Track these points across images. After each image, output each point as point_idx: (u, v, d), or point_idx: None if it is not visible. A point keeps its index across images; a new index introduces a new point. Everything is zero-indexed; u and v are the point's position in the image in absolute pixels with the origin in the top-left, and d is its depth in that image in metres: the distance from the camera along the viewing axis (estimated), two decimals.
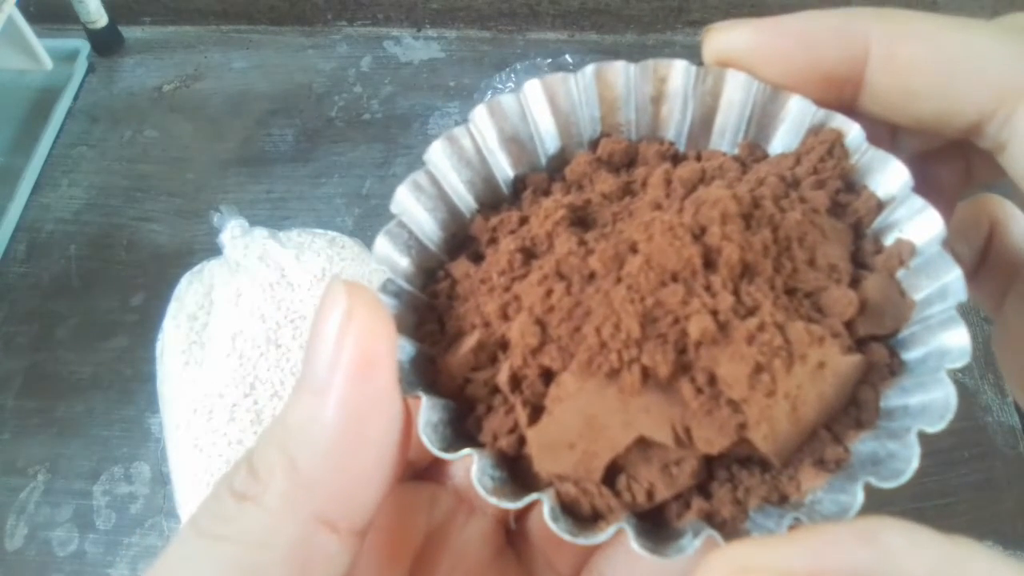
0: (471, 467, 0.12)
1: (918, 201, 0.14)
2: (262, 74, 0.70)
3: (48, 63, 0.69)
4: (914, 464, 0.13)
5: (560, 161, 0.16)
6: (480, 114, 0.15)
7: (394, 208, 0.16)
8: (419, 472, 0.17)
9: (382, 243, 0.15)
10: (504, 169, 0.16)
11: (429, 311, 0.15)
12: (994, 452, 0.48)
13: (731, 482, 0.13)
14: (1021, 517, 0.45)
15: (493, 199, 0.16)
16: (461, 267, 0.15)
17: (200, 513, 0.13)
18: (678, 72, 0.15)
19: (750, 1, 0.69)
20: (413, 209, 0.15)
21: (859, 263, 0.14)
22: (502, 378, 0.13)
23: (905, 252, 0.14)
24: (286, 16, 0.73)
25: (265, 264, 0.49)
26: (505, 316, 0.13)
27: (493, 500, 0.12)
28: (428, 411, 0.13)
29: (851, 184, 0.15)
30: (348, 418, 0.12)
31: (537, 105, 0.16)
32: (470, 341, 0.13)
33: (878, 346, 0.13)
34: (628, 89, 0.16)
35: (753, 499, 0.13)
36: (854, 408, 0.13)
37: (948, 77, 0.13)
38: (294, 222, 0.54)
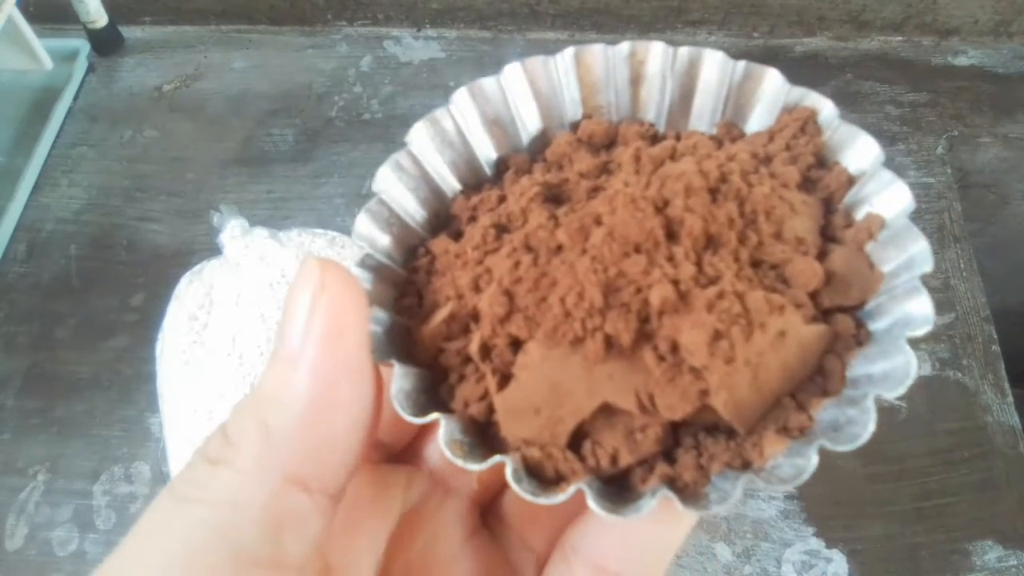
0: (438, 431, 0.13)
1: (887, 175, 0.14)
2: (262, 74, 0.70)
3: (48, 63, 0.69)
4: (870, 428, 0.13)
5: (542, 142, 0.16)
6: (462, 96, 0.16)
7: (375, 187, 0.15)
8: (395, 455, 0.17)
9: (362, 220, 0.15)
10: (487, 150, 0.16)
11: (409, 286, 0.15)
12: (994, 452, 0.48)
13: (696, 448, 0.13)
14: (1021, 517, 0.45)
15: (475, 180, 0.16)
16: (441, 244, 0.15)
17: (175, 480, 0.13)
18: (655, 54, 0.16)
19: (749, 1, 0.69)
20: (394, 189, 0.16)
21: (829, 237, 0.14)
22: (473, 347, 0.14)
23: (874, 225, 0.14)
24: (286, 16, 0.73)
25: (265, 264, 0.49)
26: (477, 288, 0.14)
27: (459, 462, 0.13)
28: (401, 379, 0.13)
29: (823, 160, 0.15)
30: (319, 384, 0.13)
31: (518, 87, 0.16)
32: (443, 312, 0.14)
33: (844, 317, 0.14)
34: (607, 71, 0.16)
35: (716, 465, 0.13)
36: (820, 377, 0.13)
37: None
38: (294, 222, 0.54)
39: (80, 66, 0.70)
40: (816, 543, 0.44)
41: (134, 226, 0.61)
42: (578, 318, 0.12)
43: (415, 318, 0.14)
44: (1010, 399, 0.51)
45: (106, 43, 0.71)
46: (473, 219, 0.15)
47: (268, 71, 0.70)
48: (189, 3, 0.73)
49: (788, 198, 0.14)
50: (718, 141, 0.15)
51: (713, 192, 0.13)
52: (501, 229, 0.14)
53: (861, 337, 0.14)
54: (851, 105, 0.66)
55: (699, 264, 0.13)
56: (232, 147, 0.65)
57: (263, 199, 0.61)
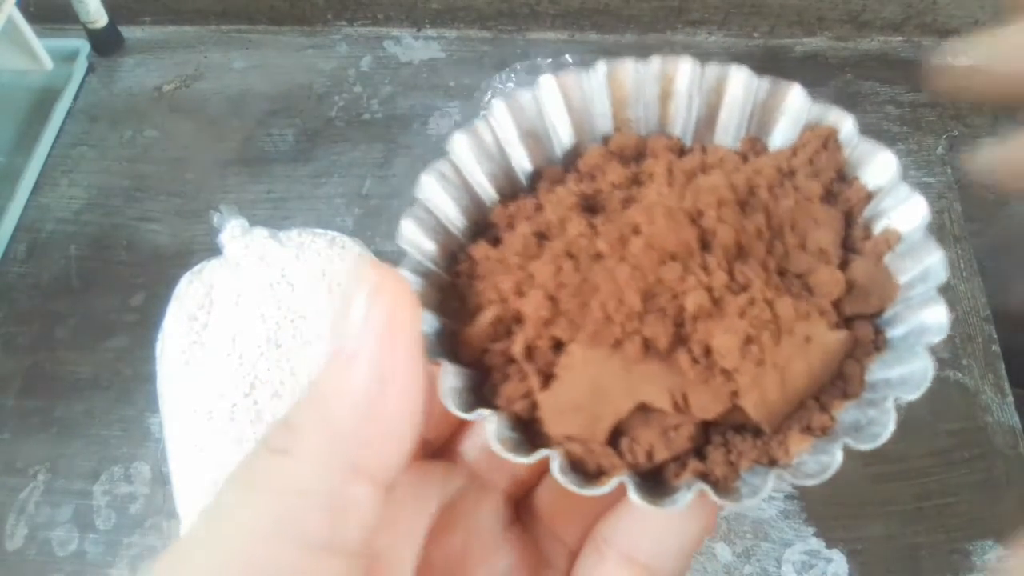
0: (488, 427, 0.14)
1: (905, 190, 0.15)
2: (262, 74, 0.70)
3: (48, 63, 0.69)
4: (890, 428, 0.14)
5: (574, 154, 0.17)
6: (499, 109, 0.17)
7: (419, 194, 0.16)
8: (433, 451, 0.18)
9: (408, 226, 0.16)
10: (522, 162, 0.17)
11: (452, 289, 0.16)
12: (994, 452, 0.48)
13: (725, 446, 0.14)
14: (1021, 517, 0.45)
15: (512, 189, 0.17)
16: (481, 250, 0.16)
17: (238, 469, 0.14)
18: (684, 71, 0.17)
19: (749, 1, 0.69)
20: (438, 197, 0.16)
21: (850, 248, 0.15)
22: (517, 348, 0.15)
23: (892, 238, 0.15)
24: (286, 16, 0.73)
25: (265, 264, 0.49)
26: (520, 292, 0.15)
27: (508, 456, 0.14)
28: (449, 378, 0.14)
29: (844, 175, 0.16)
30: (376, 380, 0.14)
31: (552, 101, 0.17)
32: (488, 315, 0.15)
33: (864, 324, 0.15)
34: (638, 87, 0.17)
35: (745, 461, 0.14)
36: (841, 380, 0.14)
37: None
38: (294, 222, 0.54)
39: (80, 66, 0.70)
40: (816, 543, 0.44)
41: (134, 226, 0.61)
42: (618, 322, 0.13)
43: (459, 320, 0.15)
44: (1010, 399, 0.51)
45: (106, 43, 0.71)
46: (511, 226, 0.16)
47: (268, 71, 0.70)
48: (189, 3, 0.73)
49: (811, 211, 0.15)
50: (743, 155, 0.16)
51: (742, 204, 0.14)
52: (541, 236, 0.15)
53: (879, 343, 0.15)
54: (851, 105, 0.66)
55: (731, 272, 0.14)
56: (232, 147, 0.65)
57: (263, 199, 0.61)
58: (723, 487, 0.14)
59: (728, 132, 0.17)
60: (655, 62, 0.16)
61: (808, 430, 0.14)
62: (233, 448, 0.44)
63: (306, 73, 0.70)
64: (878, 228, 0.15)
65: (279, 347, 0.47)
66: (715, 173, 0.14)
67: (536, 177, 0.17)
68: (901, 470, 0.47)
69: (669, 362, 0.13)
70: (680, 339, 0.13)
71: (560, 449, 0.14)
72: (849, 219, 0.15)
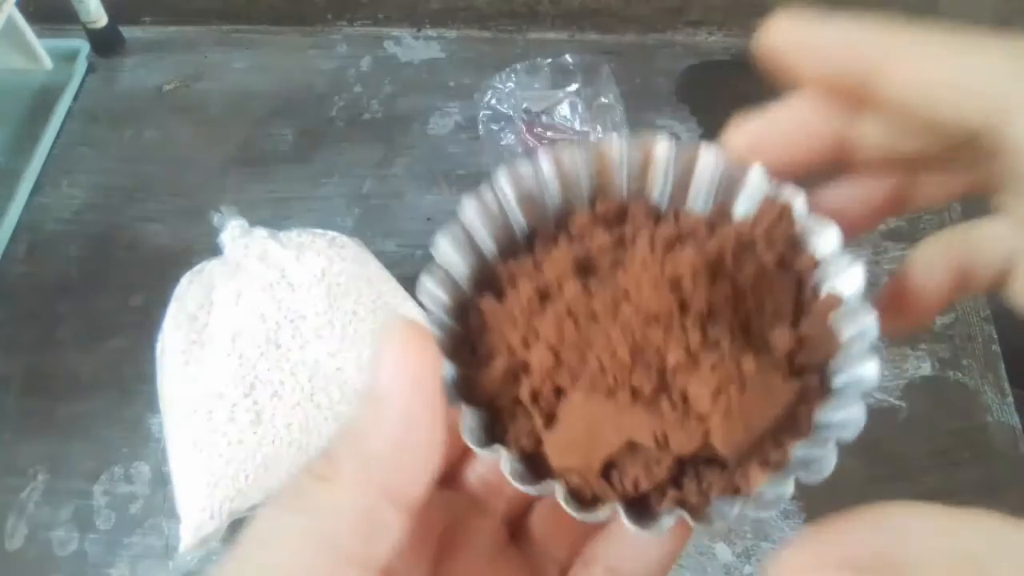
0: (502, 461, 0.16)
1: (846, 259, 0.18)
2: (262, 74, 0.70)
3: (48, 63, 0.69)
4: (833, 462, 0.16)
5: (565, 215, 0.20)
6: (502, 177, 0.19)
7: (435, 254, 0.19)
8: (439, 479, 0.20)
9: (428, 281, 0.18)
10: (520, 222, 0.20)
11: (464, 338, 0.18)
12: (994, 452, 0.48)
13: (697, 477, 0.17)
14: (1021, 517, 0.45)
15: (511, 246, 0.20)
16: (487, 303, 0.18)
17: (283, 493, 0.16)
18: (662, 147, 0.20)
19: (750, 1, 0.69)
20: (451, 257, 0.19)
21: (800, 309, 0.18)
22: (524, 393, 0.17)
23: (835, 301, 0.18)
24: (286, 16, 0.73)
25: (265, 264, 0.49)
26: (526, 345, 0.17)
27: (518, 486, 0.16)
28: (467, 418, 0.17)
29: (795, 245, 0.18)
30: (405, 418, 0.16)
31: (546, 169, 0.20)
32: (499, 364, 0.17)
33: (812, 374, 0.17)
34: (621, 158, 0.20)
35: (714, 490, 0.17)
36: (793, 422, 0.17)
37: (946, 92, 0.15)
38: (294, 222, 0.54)
39: (80, 66, 0.70)
40: None
41: (134, 226, 0.61)
42: (611, 373, 0.16)
43: (471, 366, 0.18)
44: (1010, 399, 0.51)
45: (106, 43, 0.71)
46: (512, 283, 0.19)
47: (268, 71, 0.70)
48: (189, 3, 0.73)
49: (768, 277, 0.18)
50: (711, 223, 0.19)
51: (712, 274, 0.17)
52: (541, 294, 0.18)
53: (824, 391, 0.17)
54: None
55: (704, 332, 0.16)
56: (232, 147, 0.65)
57: (263, 199, 0.61)
58: (697, 512, 0.17)
59: (698, 199, 0.20)
60: (636, 139, 0.20)
61: (766, 464, 0.17)
62: (233, 448, 0.44)
63: (306, 73, 0.70)
64: (824, 291, 0.18)
65: (279, 347, 0.47)
66: (689, 245, 0.17)
67: (532, 234, 0.20)
68: (901, 470, 0.47)
69: (653, 407, 0.16)
70: (662, 388, 0.16)
71: (561, 480, 0.17)
72: (799, 283, 0.18)
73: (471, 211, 0.19)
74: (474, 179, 0.62)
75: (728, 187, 0.19)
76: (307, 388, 0.46)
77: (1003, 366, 0.53)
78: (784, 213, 0.18)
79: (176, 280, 0.50)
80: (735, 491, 0.17)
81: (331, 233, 0.51)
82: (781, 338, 0.17)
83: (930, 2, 0.68)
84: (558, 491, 0.16)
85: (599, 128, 0.58)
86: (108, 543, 0.47)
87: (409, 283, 0.52)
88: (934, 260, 0.19)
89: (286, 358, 0.47)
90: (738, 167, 0.19)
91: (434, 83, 0.69)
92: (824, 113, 0.18)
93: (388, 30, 0.73)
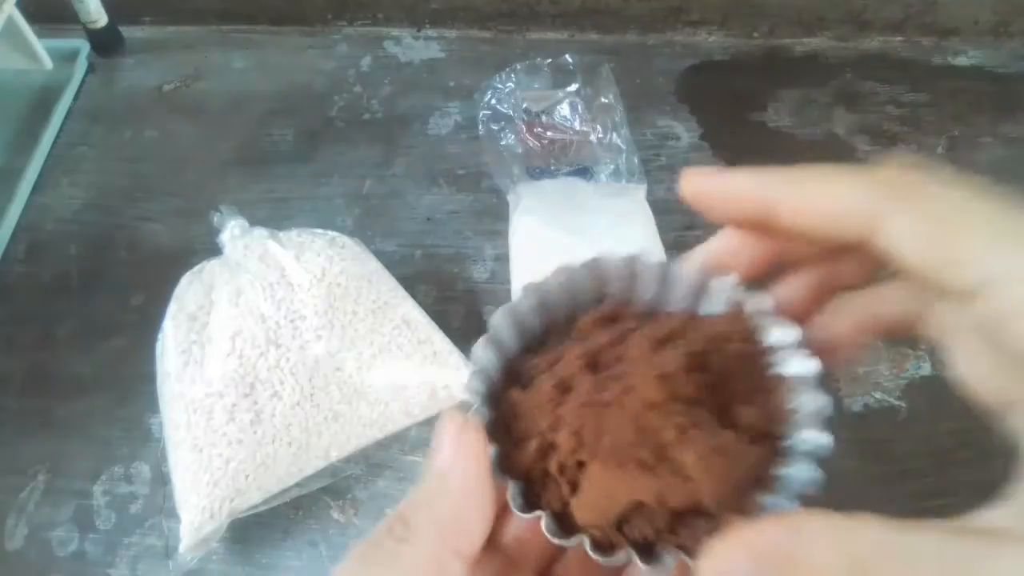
0: (543, 522, 0.21)
1: (803, 352, 0.22)
2: (262, 74, 0.70)
3: (48, 63, 0.69)
4: (796, 509, 0.21)
5: (571, 317, 0.25)
6: (526, 289, 0.24)
7: (472, 360, 0.23)
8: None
9: (472, 379, 0.23)
10: (536, 325, 0.25)
11: (498, 423, 0.23)
12: (994, 452, 0.48)
13: (689, 526, 0.21)
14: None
15: (529, 344, 0.25)
16: (516, 395, 0.23)
17: (364, 553, 0.20)
18: (647, 263, 0.25)
19: (749, 2, 0.69)
20: (485, 358, 0.23)
21: (763, 389, 0.22)
22: (553, 467, 0.21)
23: (791, 384, 0.22)
24: (286, 16, 0.73)
25: (265, 264, 0.49)
26: (553, 429, 0.22)
27: (554, 540, 0.21)
28: (512, 489, 0.21)
29: (759, 336, 0.23)
30: (463, 491, 0.21)
31: (556, 282, 0.25)
32: (532, 445, 0.22)
33: (775, 442, 0.22)
34: (616, 271, 0.25)
35: (703, 535, 0.20)
36: (762, 479, 0.21)
37: (822, 219, 0.20)
38: (294, 222, 0.54)
39: (80, 66, 0.70)
40: None
41: (134, 226, 0.61)
42: (621, 450, 0.21)
43: (506, 446, 0.22)
44: None
45: (106, 43, 0.71)
46: (533, 376, 0.23)
47: (268, 71, 0.70)
48: (189, 3, 0.73)
49: (739, 366, 0.22)
50: (691, 320, 0.24)
51: (696, 367, 0.21)
52: (560, 387, 0.22)
53: (785, 453, 0.22)
54: (851, 105, 0.66)
55: (690, 414, 0.21)
56: (232, 147, 0.65)
57: (263, 199, 0.61)
58: (692, 553, 0.20)
59: (680, 302, 0.25)
60: (628, 257, 0.25)
61: (741, 513, 0.21)
62: (233, 448, 0.44)
63: (306, 73, 0.70)
64: (786, 373, 0.22)
65: (279, 347, 0.47)
66: (678, 345, 0.22)
67: (546, 335, 0.25)
68: (901, 470, 0.47)
69: (654, 474, 0.20)
70: (660, 459, 0.20)
71: (587, 534, 0.21)
72: (764, 369, 0.23)
73: (500, 318, 0.24)
74: (474, 179, 0.62)
75: (701, 292, 0.24)
76: (307, 388, 0.46)
77: None
78: (747, 315, 0.23)
79: (176, 280, 0.50)
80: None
81: (331, 233, 0.51)
82: (748, 415, 0.22)
83: (930, 2, 0.68)
84: (585, 543, 0.21)
85: (599, 128, 0.58)
86: (108, 543, 0.47)
87: (409, 283, 0.52)
88: (844, 316, 0.23)
89: (286, 358, 0.47)
90: (710, 275, 0.24)
91: (434, 83, 0.69)
92: (749, 238, 0.23)
93: (388, 30, 0.73)
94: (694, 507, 0.20)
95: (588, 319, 0.24)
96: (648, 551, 0.21)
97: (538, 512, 0.21)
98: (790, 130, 0.64)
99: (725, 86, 0.68)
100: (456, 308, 0.55)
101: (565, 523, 0.21)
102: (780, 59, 0.70)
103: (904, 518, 0.16)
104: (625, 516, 0.21)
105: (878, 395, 0.50)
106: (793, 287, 0.23)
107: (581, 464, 0.21)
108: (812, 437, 0.21)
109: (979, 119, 0.65)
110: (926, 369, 0.53)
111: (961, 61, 0.69)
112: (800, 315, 0.23)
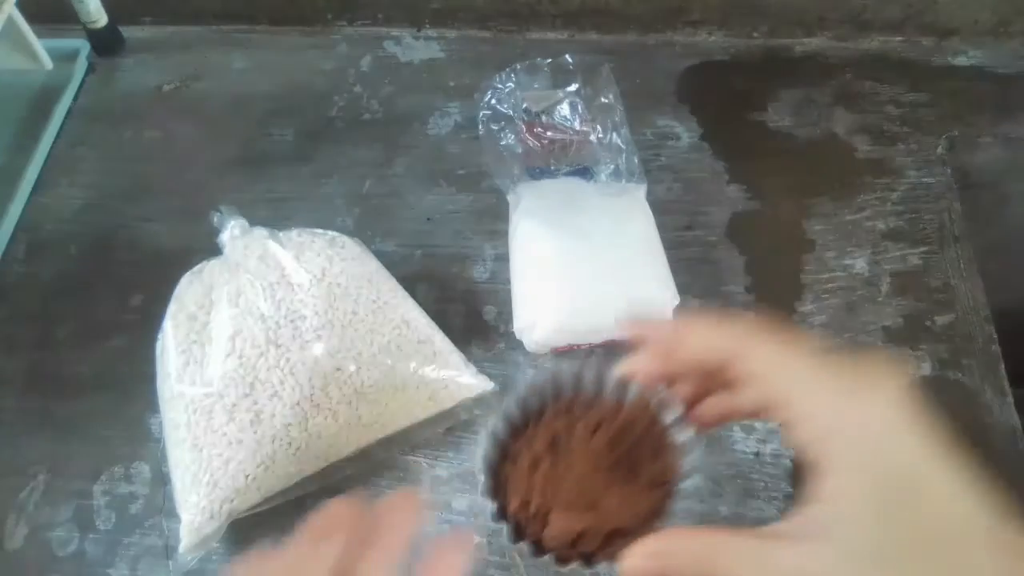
0: (523, 548, 0.30)
1: (687, 426, 0.31)
2: (262, 74, 0.70)
3: (48, 63, 0.69)
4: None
5: (540, 410, 0.34)
6: (507, 400, 0.33)
7: (479, 452, 0.32)
8: None
9: (480, 462, 0.32)
10: (516, 417, 0.33)
11: (497, 487, 0.32)
12: (994, 452, 0.48)
13: (614, 544, 0.29)
14: (1019, 516, 0.45)
15: (513, 431, 0.33)
16: (506, 467, 0.32)
17: None
18: (587, 373, 0.34)
19: (749, 2, 0.69)
20: (486, 449, 0.32)
21: (664, 449, 0.32)
22: (530, 513, 0.31)
23: (681, 447, 0.31)
24: (286, 16, 0.73)
25: (265, 264, 0.49)
26: (529, 491, 0.31)
27: (533, 559, 0.30)
28: (505, 530, 0.31)
29: (664, 413, 0.32)
30: None
31: (529, 389, 0.34)
32: (517, 501, 0.31)
33: (673, 488, 0.31)
34: (568, 378, 0.34)
35: (622, 548, 0.28)
36: (659, 512, 0.30)
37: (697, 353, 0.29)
38: (294, 222, 0.54)
39: (80, 66, 0.70)
40: None
41: (134, 226, 0.61)
42: (571, 501, 0.30)
43: (502, 501, 0.32)
44: (1010, 399, 0.51)
45: (106, 43, 0.71)
46: (517, 453, 0.32)
47: (268, 71, 0.70)
48: (189, 3, 0.73)
49: (648, 434, 0.32)
50: (617, 406, 0.33)
51: (617, 441, 0.31)
52: (532, 464, 0.31)
53: (677, 494, 0.31)
54: (851, 105, 0.66)
55: (612, 476, 0.31)
56: (232, 147, 0.65)
57: (263, 199, 0.61)
58: (616, 559, 0.28)
59: (609, 388, 0.33)
60: (576, 365, 0.34)
61: (650, 533, 0.29)
62: (233, 448, 0.44)
63: (306, 73, 0.70)
64: (678, 439, 0.31)
65: (279, 347, 0.47)
66: (604, 428, 0.32)
67: (526, 420, 0.34)
68: None
69: (592, 513, 0.30)
70: (595, 505, 0.30)
71: (553, 553, 0.30)
72: (663, 438, 0.32)
73: (497, 421, 0.33)
74: (474, 179, 0.62)
75: (624, 386, 0.33)
76: (307, 388, 0.46)
77: (1003, 366, 0.53)
78: (652, 404, 0.32)
79: (176, 280, 0.50)
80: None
81: (331, 233, 0.51)
82: (651, 470, 0.31)
83: (929, 2, 0.68)
84: (550, 558, 0.30)
85: (599, 128, 0.58)
86: (108, 543, 0.47)
87: (409, 283, 0.52)
88: (715, 407, 0.32)
89: (286, 358, 0.47)
90: (629, 378, 0.33)
91: (434, 83, 0.69)
92: (655, 359, 0.31)
93: (388, 30, 0.73)
94: (617, 532, 0.30)
95: (551, 412, 0.33)
96: (589, 561, 0.30)
97: (522, 543, 0.30)
98: (790, 130, 0.64)
99: (725, 86, 0.68)
100: (456, 308, 0.55)
101: (539, 548, 0.31)
102: (780, 59, 0.70)
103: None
104: (575, 541, 0.30)
105: None
106: (685, 387, 0.32)
107: (547, 511, 0.30)
108: (690, 483, 0.31)
109: (979, 119, 0.65)
110: (926, 369, 0.53)
111: (961, 61, 0.69)
112: (689, 404, 0.32)
